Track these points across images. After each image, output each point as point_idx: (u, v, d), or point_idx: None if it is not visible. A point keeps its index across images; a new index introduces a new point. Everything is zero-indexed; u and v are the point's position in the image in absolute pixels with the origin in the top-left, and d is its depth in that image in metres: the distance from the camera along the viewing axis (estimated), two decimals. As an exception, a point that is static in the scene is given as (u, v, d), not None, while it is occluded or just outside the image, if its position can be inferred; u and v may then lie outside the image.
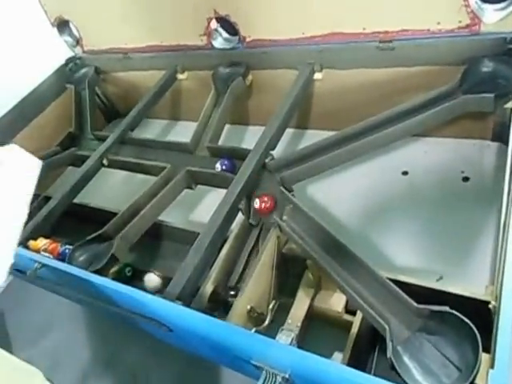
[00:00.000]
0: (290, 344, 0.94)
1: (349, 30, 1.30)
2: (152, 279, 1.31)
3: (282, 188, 1.19)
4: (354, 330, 1.01)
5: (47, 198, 1.65)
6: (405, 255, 1.19)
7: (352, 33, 1.30)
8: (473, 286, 0.95)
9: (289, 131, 1.69)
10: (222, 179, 1.33)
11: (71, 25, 1.97)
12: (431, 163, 1.40)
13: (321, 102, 1.57)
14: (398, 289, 0.85)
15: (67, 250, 1.56)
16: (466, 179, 1.32)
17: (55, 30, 2.01)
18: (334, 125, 1.58)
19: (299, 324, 1.00)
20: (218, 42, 1.58)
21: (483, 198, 1.23)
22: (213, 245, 1.11)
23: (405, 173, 1.41)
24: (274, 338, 0.99)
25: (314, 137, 1.68)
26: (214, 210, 1.16)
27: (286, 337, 0.96)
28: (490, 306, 0.81)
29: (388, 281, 0.87)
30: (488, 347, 0.73)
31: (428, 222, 1.24)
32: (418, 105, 1.18)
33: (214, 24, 1.53)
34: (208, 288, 1.08)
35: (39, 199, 1.85)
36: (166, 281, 1.28)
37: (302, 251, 1.06)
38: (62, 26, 1.99)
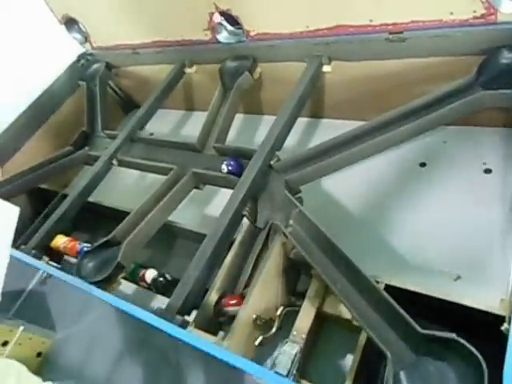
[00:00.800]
0: (295, 358, 0.94)
1: (355, 22, 1.23)
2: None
3: (286, 192, 1.16)
4: (363, 337, 0.99)
5: (65, 196, 1.69)
6: (421, 252, 1.15)
7: (358, 25, 1.23)
8: (490, 291, 0.92)
9: (303, 120, 1.67)
10: (227, 181, 1.31)
11: (79, 22, 1.96)
12: (451, 154, 1.33)
13: (333, 93, 1.52)
14: (403, 311, 0.82)
15: (85, 249, 1.62)
16: (488, 171, 1.24)
17: (63, 27, 2.01)
18: (348, 114, 1.56)
19: (304, 336, 0.99)
20: (223, 36, 1.54)
21: (507, 192, 1.16)
22: (215, 254, 1.11)
23: (422, 164, 1.35)
24: (281, 343, 1.00)
25: (328, 126, 1.64)
26: (217, 217, 1.16)
27: (290, 349, 0.96)
28: (503, 328, 0.77)
29: (394, 302, 0.84)
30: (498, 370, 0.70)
31: (446, 218, 1.19)
32: (433, 100, 1.11)
33: (217, 18, 1.49)
34: (213, 297, 1.08)
35: (57, 197, 1.91)
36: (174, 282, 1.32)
37: (307, 260, 1.04)
38: (70, 23, 1.99)
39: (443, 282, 1.02)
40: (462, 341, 0.75)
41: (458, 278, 1.05)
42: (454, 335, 0.77)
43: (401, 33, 1.20)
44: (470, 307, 0.88)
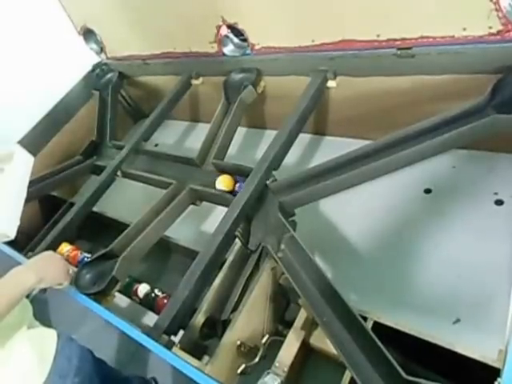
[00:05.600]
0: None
1: (361, 37, 1.17)
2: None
3: (279, 214, 1.11)
4: (348, 375, 0.93)
5: (72, 205, 1.71)
6: (418, 289, 1.07)
7: (365, 40, 1.17)
8: (491, 338, 0.84)
9: (305, 136, 1.61)
10: (222, 199, 1.28)
11: (95, 33, 1.99)
12: (459, 181, 1.24)
13: (337, 110, 1.47)
14: (388, 354, 0.76)
15: (86, 259, 1.63)
16: (499, 202, 1.14)
17: (81, 38, 2.06)
18: (352, 132, 1.50)
19: (286, 369, 0.93)
20: (229, 49, 1.52)
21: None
22: (205, 274, 1.08)
23: (427, 191, 1.26)
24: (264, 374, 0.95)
25: (330, 144, 1.58)
26: (209, 239, 1.12)
27: (271, 381, 0.92)
28: (496, 382, 0.70)
29: (380, 343, 0.78)
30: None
31: (449, 253, 1.10)
32: (443, 122, 1.03)
33: (224, 31, 1.47)
34: (199, 319, 1.05)
35: (65, 205, 1.94)
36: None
37: (295, 288, 0.99)
38: (88, 34, 2.03)
39: (440, 324, 0.93)
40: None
41: (458, 320, 0.97)
42: (439, 386, 0.70)
43: (409, 48, 1.13)
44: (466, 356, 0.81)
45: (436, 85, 1.18)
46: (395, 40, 1.13)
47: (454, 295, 1.01)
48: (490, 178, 1.20)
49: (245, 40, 1.45)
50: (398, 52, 1.15)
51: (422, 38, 1.09)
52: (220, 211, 1.45)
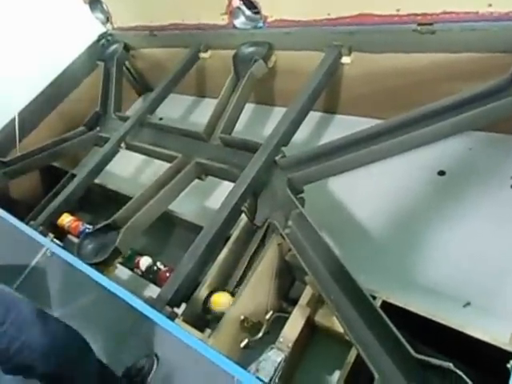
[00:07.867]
0: (278, 366, 0.88)
1: (380, 11, 1.13)
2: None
3: (288, 191, 1.09)
4: (353, 354, 0.91)
5: (74, 176, 1.68)
6: (429, 271, 1.06)
7: (384, 14, 1.13)
8: (503, 322, 0.83)
9: (316, 115, 1.58)
10: (229, 174, 1.26)
11: (102, 2, 1.93)
12: (474, 163, 1.21)
13: (350, 87, 1.42)
14: (397, 332, 0.75)
15: (87, 230, 1.62)
16: (516, 187, 1.13)
17: (87, 7, 1.99)
18: (365, 111, 1.46)
19: (290, 345, 0.92)
20: (240, 22, 1.47)
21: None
22: (210, 248, 1.07)
23: (441, 173, 1.23)
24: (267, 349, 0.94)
25: (341, 122, 1.54)
26: (215, 213, 1.10)
27: (275, 356, 0.90)
28: (509, 365, 0.68)
29: (389, 321, 0.77)
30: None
31: (461, 236, 1.08)
32: (461, 101, 0.99)
33: (236, 2, 1.42)
34: (203, 293, 1.04)
35: (67, 176, 1.91)
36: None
37: (302, 265, 0.97)
38: (94, 3, 1.97)
39: (450, 306, 0.93)
40: (460, 372, 0.68)
41: (468, 304, 0.95)
42: (450, 365, 0.69)
43: (431, 24, 1.09)
44: (476, 338, 0.79)
45: (455, 63, 1.14)
46: (416, 15, 1.09)
47: (464, 279, 1.00)
48: (507, 161, 1.17)
49: (257, 12, 1.40)
50: (419, 28, 1.11)
51: (445, 13, 1.05)
52: (226, 186, 1.43)
